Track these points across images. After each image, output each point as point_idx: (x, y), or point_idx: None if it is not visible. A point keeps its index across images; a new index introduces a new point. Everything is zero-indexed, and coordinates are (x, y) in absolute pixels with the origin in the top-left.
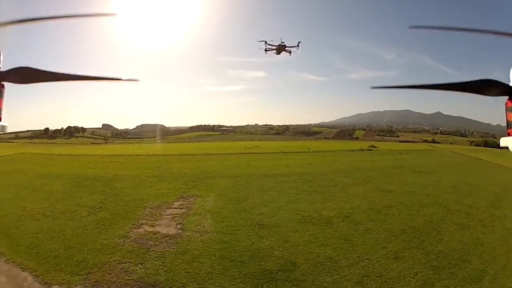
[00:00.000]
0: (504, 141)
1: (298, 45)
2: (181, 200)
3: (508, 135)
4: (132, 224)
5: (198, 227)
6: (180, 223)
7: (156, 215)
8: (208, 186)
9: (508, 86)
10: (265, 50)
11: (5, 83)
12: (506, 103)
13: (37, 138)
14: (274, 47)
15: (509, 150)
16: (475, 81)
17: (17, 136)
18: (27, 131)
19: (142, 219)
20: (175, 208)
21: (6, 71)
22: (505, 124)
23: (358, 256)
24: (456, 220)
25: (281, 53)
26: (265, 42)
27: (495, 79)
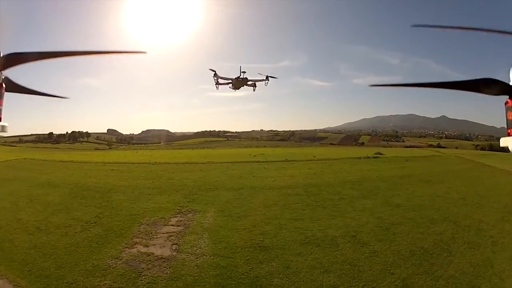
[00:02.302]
0: (504, 141)
1: (267, 78)
2: (179, 216)
3: (508, 135)
4: (126, 243)
5: (194, 248)
6: (176, 243)
7: (151, 233)
8: (208, 199)
9: (508, 85)
10: (216, 84)
11: (5, 83)
12: (506, 103)
13: (41, 142)
14: (229, 81)
15: (510, 150)
16: (476, 79)
17: (20, 140)
18: (31, 135)
19: (137, 237)
20: (171, 225)
21: None
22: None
23: (364, 285)
24: (467, 238)
25: (240, 88)
26: (215, 73)
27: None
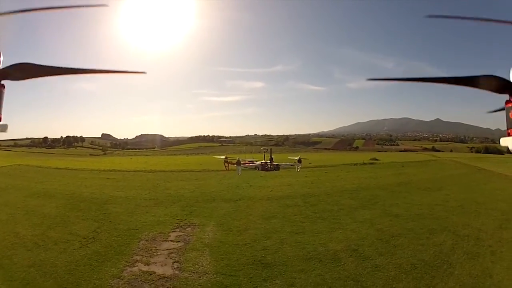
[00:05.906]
0: (504, 141)
1: (299, 161)
2: (178, 230)
3: (508, 135)
4: (126, 261)
5: (196, 266)
6: (177, 261)
7: (151, 249)
8: (207, 212)
9: (510, 82)
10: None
11: (6, 83)
12: (506, 102)
13: (36, 147)
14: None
15: (510, 150)
16: (478, 76)
17: (15, 144)
18: (26, 139)
19: (137, 255)
20: (171, 241)
21: (6, 67)
22: (505, 128)
23: None
24: (466, 248)
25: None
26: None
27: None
